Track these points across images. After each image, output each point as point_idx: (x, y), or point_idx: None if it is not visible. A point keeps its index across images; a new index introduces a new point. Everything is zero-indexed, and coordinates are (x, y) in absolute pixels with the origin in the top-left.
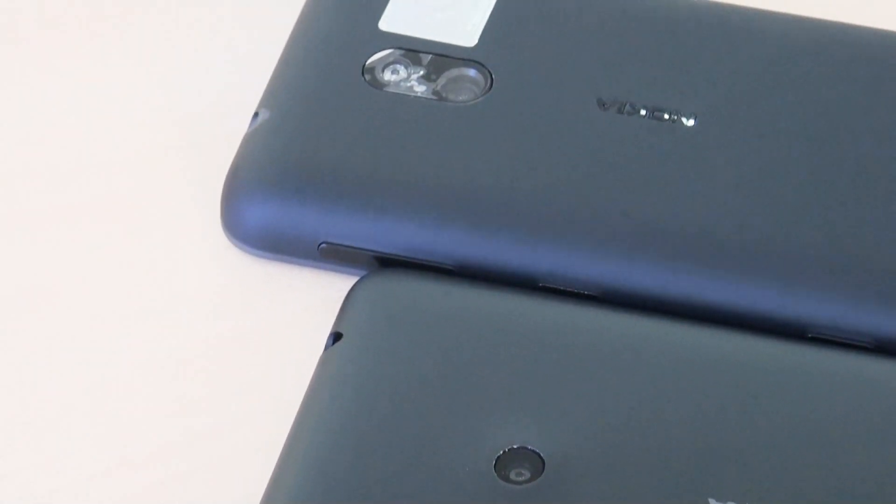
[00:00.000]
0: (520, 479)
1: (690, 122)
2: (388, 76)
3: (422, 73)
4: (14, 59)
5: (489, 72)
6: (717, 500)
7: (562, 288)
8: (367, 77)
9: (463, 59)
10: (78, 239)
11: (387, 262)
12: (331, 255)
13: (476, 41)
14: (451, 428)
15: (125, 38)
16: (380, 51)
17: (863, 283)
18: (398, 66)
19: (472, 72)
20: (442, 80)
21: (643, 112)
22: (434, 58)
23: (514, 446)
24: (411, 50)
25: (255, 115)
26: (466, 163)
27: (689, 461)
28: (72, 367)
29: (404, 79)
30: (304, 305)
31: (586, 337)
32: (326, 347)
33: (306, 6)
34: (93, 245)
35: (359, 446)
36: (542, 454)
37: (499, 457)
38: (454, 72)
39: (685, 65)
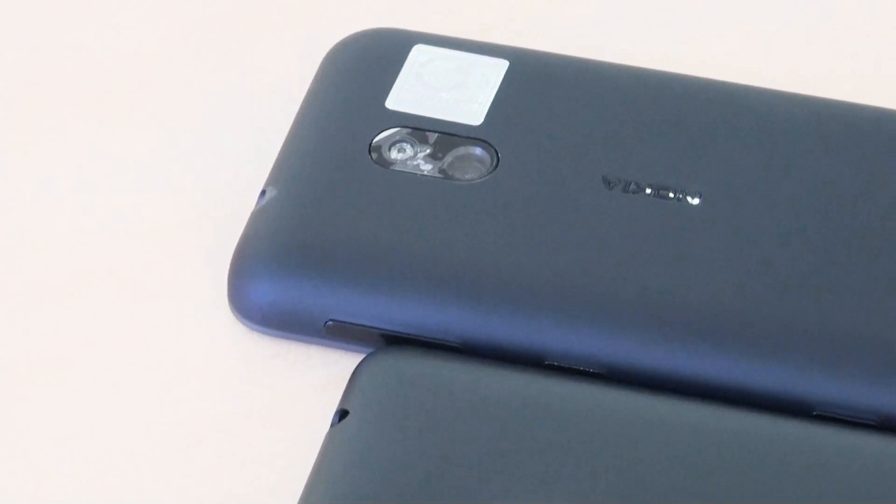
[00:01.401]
0: None
1: (696, 201)
2: (394, 154)
3: (428, 151)
4: (28, 131)
5: (495, 150)
6: None
7: (567, 366)
8: (374, 155)
9: (469, 138)
10: (83, 312)
11: (393, 340)
12: (337, 332)
13: (482, 120)
14: None
15: (136, 113)
16: (386, 129)
17: (868, 361)
18: (405, 145)
19: (478, 150)
20: (448, 159)
21: (648, 191)
22: (440, 136)
23: None
24: (418, 128)
25: (263, 192)
26: (472, 241)
27: None
28: (75, 440)
29: (411, 157)
30: (310, 382)
31: (592, 415)
32: (332, 424)
33: (314, 84)
34: (98, 318)
35: None
36: None
37: None
38: (460, 150)
39: (690, 143)
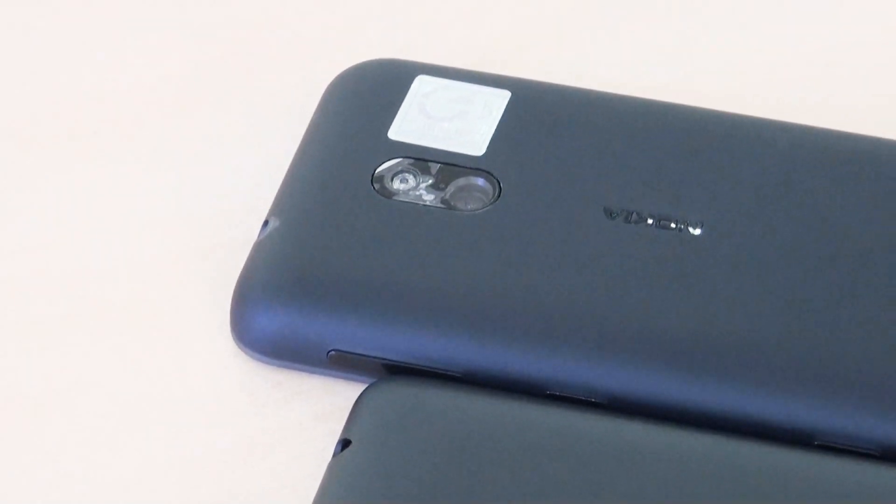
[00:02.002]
0: None
1: (697, 231)
2: (397, 185)
3: (430, 181)
4: (32, 164)
5: (497, 181)
6: None
7: (569, 396)
8: (377, 186)
9: (471, 169)
10: (86, 343)
11: (395, 370)
12: (339, 362)
13: (484, 150)
14: None
15: (139, 144)
16: (389, 160)
17: (869, 392)
18: (407, 175)
19: (480, 181)
20: (450, 189)
21: (650, 221)
22: (443, 167)
23: None
24: (420, 159)
25: (265, 223)
26: (474, 271)
27: None
28: (77, 471)
29: (413, 188)
30: (313, 412)
31: (594, 445)
32: (335, 454)
33: (317, 114)
34: (101, 349)
35: None
36: None
37: None
38: (462, 181)
39: (692, 174)
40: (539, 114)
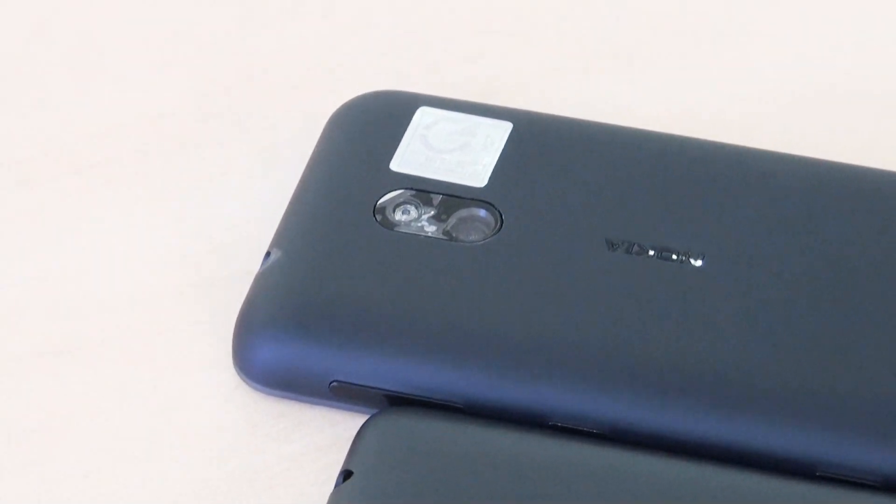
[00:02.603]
0: None
1: (698, 263)
2: (398, 216)
3: (432, 213)
4: (33, 197)
5: (499, 212)
6: None
7: (571, 426)
8: (379, 217)
9: (473, 200)
10: (89, 375)
11: (396, 401)
12: (341, 393)
13: (486, 182)
14: None
15: (141, 175)
16: (391, 191)
17: (870, 422)
18: (409, 207)
19: (481, 212)
20: (452, 220)
21: (651, 252)
22: (444, 198)
23: None
24: (422, 190)
25: (267, 254)
26: (476, 302)
27: None
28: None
29: (415, 219)
30: (315, 443)
31: (595, 475)
32: (337, 485)
33: (319, 145)
34: (103, 381)
35: None
36: None
37: None
38: (464, 212)
39: (693, 205)
40: (540, 145)
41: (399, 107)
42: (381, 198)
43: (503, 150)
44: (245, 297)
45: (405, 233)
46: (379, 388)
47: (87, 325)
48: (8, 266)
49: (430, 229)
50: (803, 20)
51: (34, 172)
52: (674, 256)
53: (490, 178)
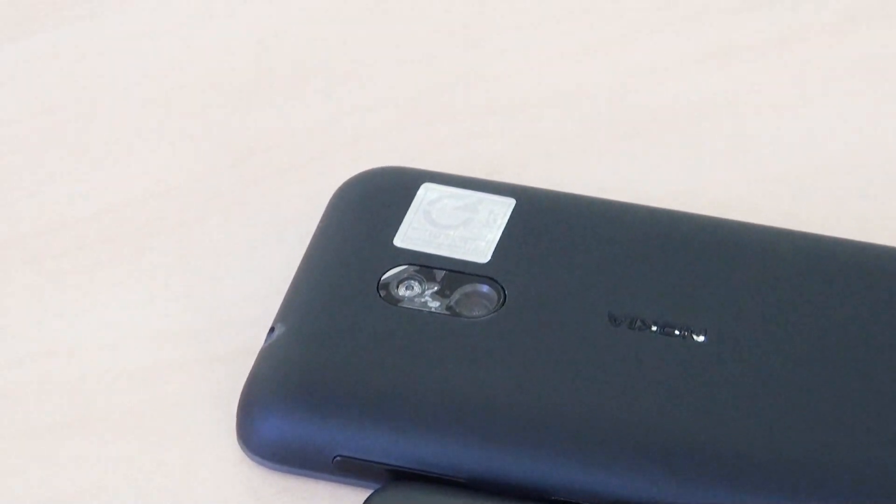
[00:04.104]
0: None
1: (701, 339)
2: (402, 292)
3: (436, 288)
4: (36, 275)
5: (502, 288)
6: None
7: (574, 502)
8: (383, 293)
9: (476, 276)
10: (92, 450)
11: (400, 476)
12: (345, 468)
13: (489, 258)
14: None
15: (145, 252)
16: (395, 267)
17: (875, 496)
18: (413, 282)
19: (485, 288)
20: (456, 296)
21: (654, 328)
22: (448, 274)
23: None
24: (425, 266)
25: (272, 329)
26: (479, 378)
27: None
28: None
29: (419, 294)
30: None
31: None
32: None
33: (323, 221)
34: (107, 456)
35: None
36: None
37: None
38: (468, 288)
39: (695, 281)
40: (543, 221)
41: (403, 183)
42: (384, 273)
43: (506, 225)
44: (249, 373)
45: (409, 308)
46: (382, 463)
47: (92, 400)
48: (15, 342)
49: (434, 305)
50: (803, 98)
51: (40, 249)
52: (676, 332)
53: (493, 253)
